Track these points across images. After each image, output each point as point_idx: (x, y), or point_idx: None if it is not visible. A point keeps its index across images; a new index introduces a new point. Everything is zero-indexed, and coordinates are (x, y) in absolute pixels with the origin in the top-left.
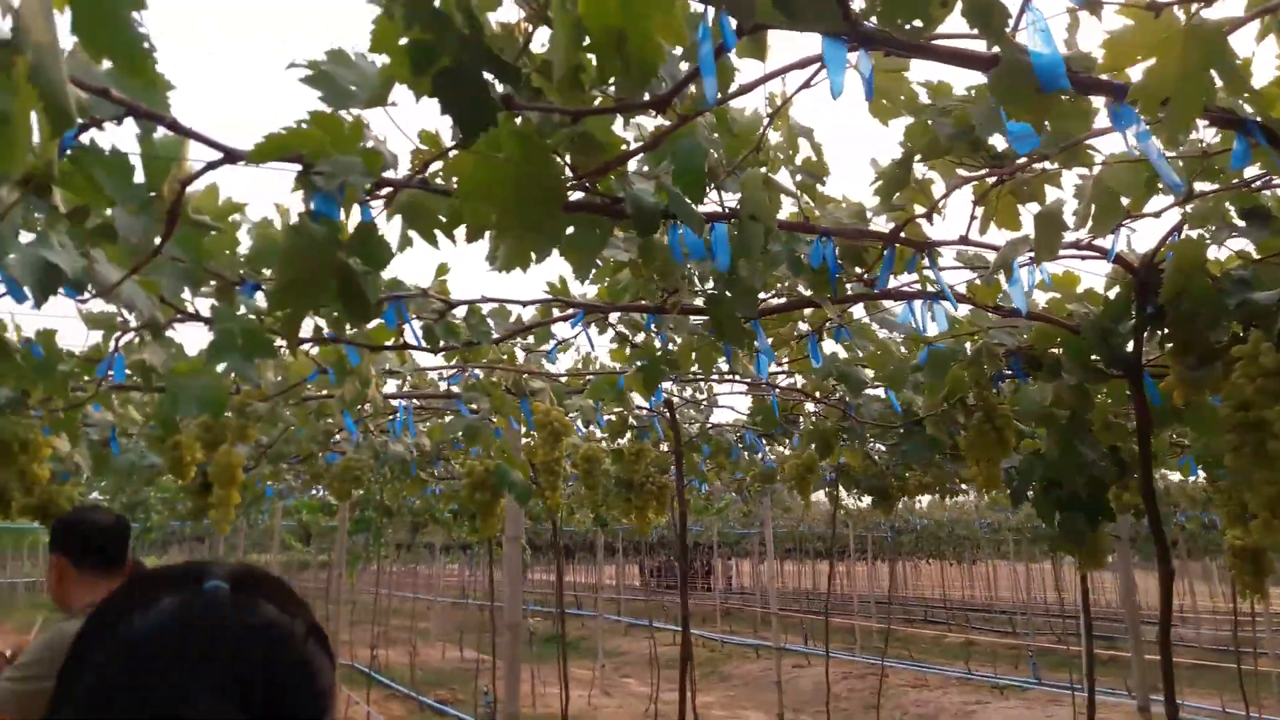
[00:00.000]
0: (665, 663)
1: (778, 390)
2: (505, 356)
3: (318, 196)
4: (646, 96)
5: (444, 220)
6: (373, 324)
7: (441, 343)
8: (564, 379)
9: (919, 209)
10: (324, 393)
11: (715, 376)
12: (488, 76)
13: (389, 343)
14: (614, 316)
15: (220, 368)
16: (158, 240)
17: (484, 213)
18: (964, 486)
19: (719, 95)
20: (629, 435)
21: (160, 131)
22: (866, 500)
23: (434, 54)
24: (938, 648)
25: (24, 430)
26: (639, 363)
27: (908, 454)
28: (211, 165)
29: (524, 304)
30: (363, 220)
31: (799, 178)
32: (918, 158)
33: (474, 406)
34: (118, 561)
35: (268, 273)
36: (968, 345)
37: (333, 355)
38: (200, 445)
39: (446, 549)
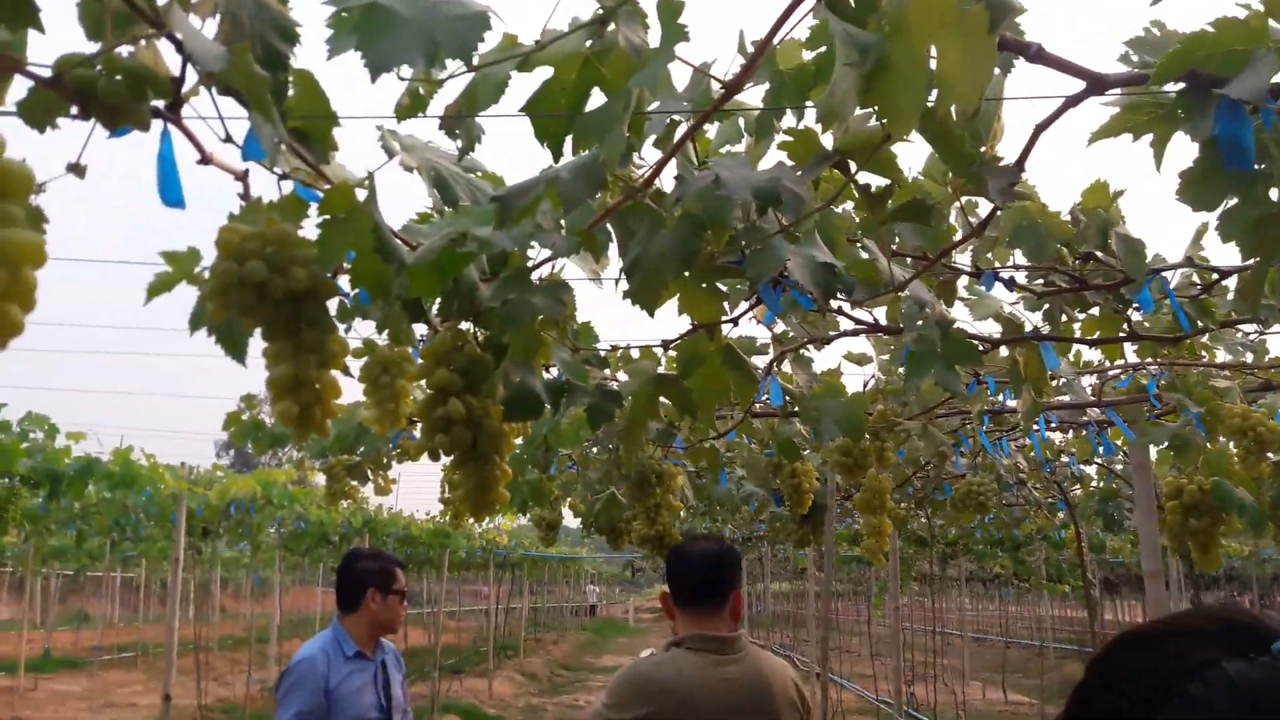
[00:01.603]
0: None
1: None
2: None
3: (1223, 114)
4: None
5: None
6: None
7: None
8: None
9: None
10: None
11: None
12: None
13: (1099, 336)
14: None
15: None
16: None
17: None
18: None
19: None
20: None
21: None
22: None
23: None
24: None
25: (657, 463)
26: None
27: None
28: (1070, 101)
29: None
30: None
31: None
32: None
33: (1094, 415)
34: (715, 595)
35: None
36: None
37: (1004, 361)
38: (840, 470)
39: (967, 581)
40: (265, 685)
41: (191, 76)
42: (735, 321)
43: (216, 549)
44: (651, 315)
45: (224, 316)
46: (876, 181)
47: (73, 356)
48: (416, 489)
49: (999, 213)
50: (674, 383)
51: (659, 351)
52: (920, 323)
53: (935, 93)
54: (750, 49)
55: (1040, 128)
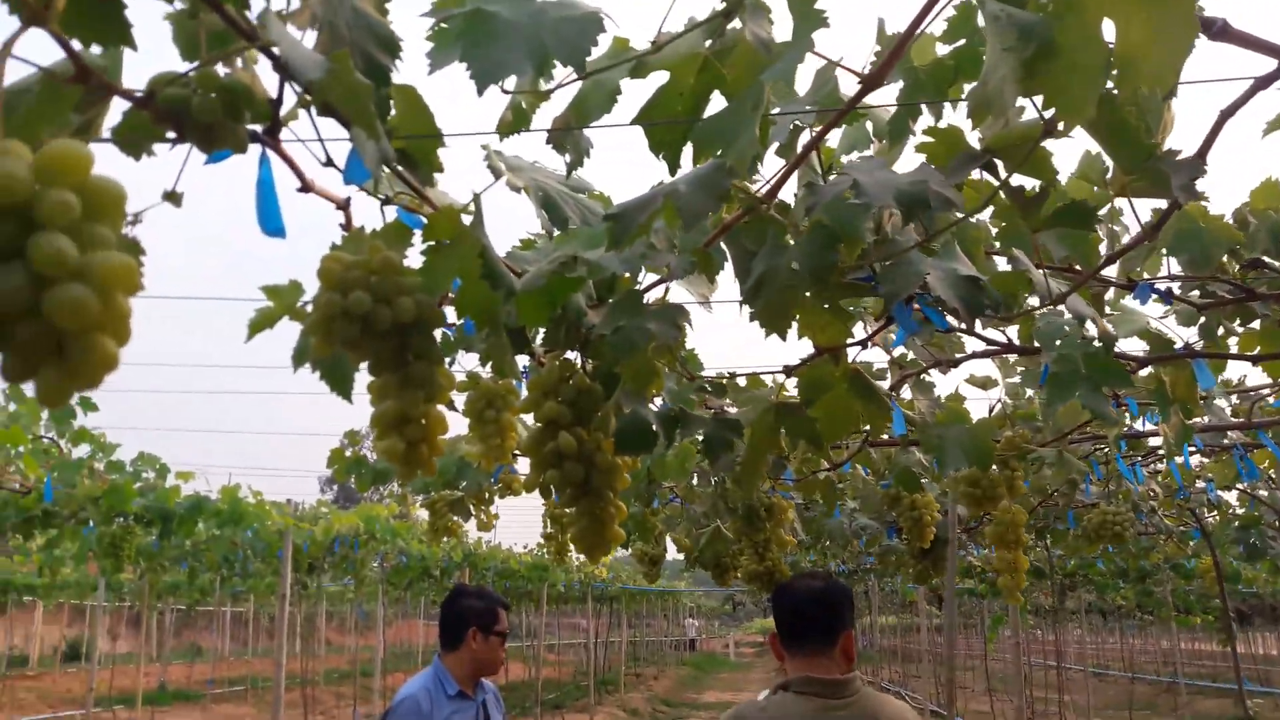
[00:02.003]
0: None
1: None
2: None
3: None
4: None
5: None
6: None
7: None
8: None
9: None
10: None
11: None
12: None
13: (1261, 351)
14: None
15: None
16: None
17: None
18: None
19: None
20: None
21: None
22: None
23: None
24: None
25: (765, 496)
26: None
27: None
28: (1261, 83)
29: None
30: None
31: None
32: None
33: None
34: (824, 634)
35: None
36: None
37: (1147, 381)
38: (967, 502)
39: (1086, 613)
40: (370, 719)
41: (289, 99)
42: (864, 344)
43: (321, 583)
44: (782, 338)
45: (328, 351)
46: (1026, 183)
47: (172, 396)
48: (515, 522)
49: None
50: (796, 412)
51: (769, 378)
52: (1060, 342)
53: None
54: (873, 44)
55: (1226, 114)
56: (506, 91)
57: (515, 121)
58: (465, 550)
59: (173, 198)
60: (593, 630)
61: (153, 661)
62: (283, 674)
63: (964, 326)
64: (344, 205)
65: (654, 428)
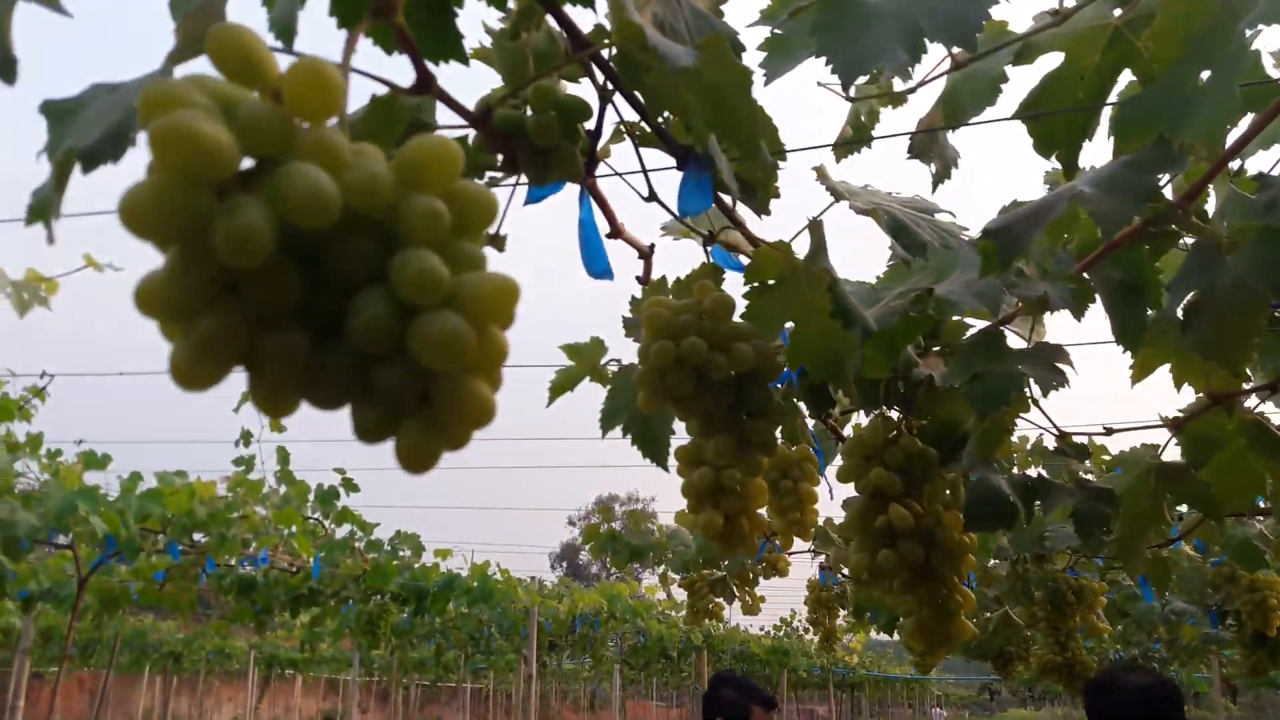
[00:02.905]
0: None
1: None
2: None
3: None
4: None
5: None
6: None
7: None
8: None
9: None
10: None
11: None
12: None
13: None
14: None
15: None
16: None
17: None
18: None
19: None
20: None
21: None
22: None
23: None
24: None
25: (1069, 578)
26: None
27: None
28: None
29: None
30: None
31: None
32: None
33: None
34: None
35: None
36: None
37: None
38: None
39: None
40: None
41: (607, 130)
42: (1274, 389)
43: (561, 661)
44: (1236, 373)
45: (655, 407)
46: None
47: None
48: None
49: None
50: (1182, 475)
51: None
52: None
53: None
54: None
55: None
56: (849, 99)
57: (855, 135)
58: (704, 632)
59: (495, 241)
60: (834, 717)
61: None
62: None
63: None
64: (647, 252)
65: (1011, 499)
